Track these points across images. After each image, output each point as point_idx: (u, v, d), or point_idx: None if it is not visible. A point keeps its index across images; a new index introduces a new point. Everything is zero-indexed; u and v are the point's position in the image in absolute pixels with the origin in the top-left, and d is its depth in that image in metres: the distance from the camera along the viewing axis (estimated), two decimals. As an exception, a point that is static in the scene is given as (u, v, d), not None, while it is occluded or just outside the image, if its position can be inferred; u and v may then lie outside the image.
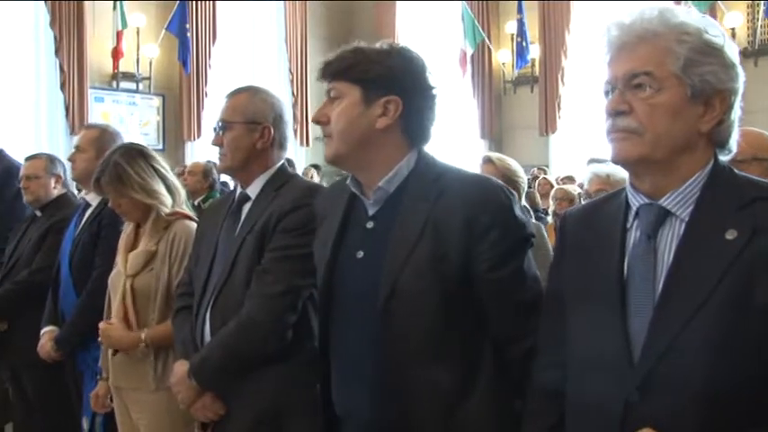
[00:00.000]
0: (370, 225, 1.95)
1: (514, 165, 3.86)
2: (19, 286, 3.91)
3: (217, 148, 2.52)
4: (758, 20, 10.72)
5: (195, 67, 13.08)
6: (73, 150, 3.66)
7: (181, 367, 2.44)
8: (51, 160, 4.18)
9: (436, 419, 1.83)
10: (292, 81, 14.36)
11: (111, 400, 3.13)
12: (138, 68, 12.79)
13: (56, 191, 4.12)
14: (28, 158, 4.27)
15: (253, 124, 2.48)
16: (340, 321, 1.98)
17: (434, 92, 1.97)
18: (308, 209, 2.29)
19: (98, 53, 12.46)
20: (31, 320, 3.82)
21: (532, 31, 12.81)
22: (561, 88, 12.63)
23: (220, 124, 2.50)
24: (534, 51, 12.92)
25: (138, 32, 12.64)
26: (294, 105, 14.25)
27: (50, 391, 3.86)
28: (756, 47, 10.62)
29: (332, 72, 1.93)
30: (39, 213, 4.13)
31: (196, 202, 5.89)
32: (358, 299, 1.91)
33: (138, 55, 12.75)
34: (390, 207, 1.92)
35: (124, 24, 12.24)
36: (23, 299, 3.91)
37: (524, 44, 12.70)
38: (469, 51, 13.02)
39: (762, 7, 10.52)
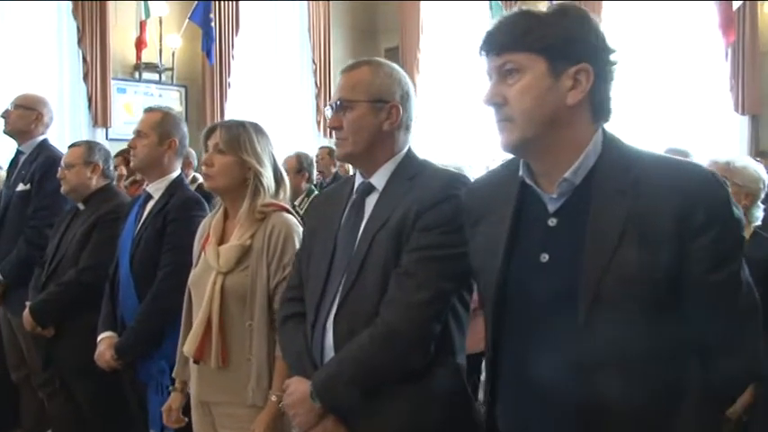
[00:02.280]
0: (552, 223, 1.61)
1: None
2: (65, 288, 3.54)
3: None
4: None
5: (218, 57, 12.69)
6: (132, 136, 3.24)
7: (300, 385, 2.07)
8: (90, 148, 3.81)
9: None
10: (315, 72, 13.96)
11: (184, 414, 2.77)
12: (161, 59, 12.38)
13: (93, 181, 3.73)
14: (70, 146, 3.88)
15: (378, 103, 2.10)
16: (519, 335, 1.64)
17: (617, 56, 1.63)
18: (453, 202, 1.98)
19: (121, 43, 12.08)
20: (80, 325, 3.47)
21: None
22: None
23: (338, 103, 2.12)
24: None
25: (160, 22, 12.22)
26: (317, 96, 13.88)
27: (105, 400, 3.51)
28: None
29: (503, 43, 1.60)
30: (81, 207, 3.73)
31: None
32: (545, 310, 1.58)
33: (160, 45, 12.34)
34: (575, 201, 1.59)
35: (147, 14, 11.87)
36: (71, 301, 3.55)
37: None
38: (498, 40, 12.53)
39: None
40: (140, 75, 12.35)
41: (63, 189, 3.76)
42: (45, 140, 4.29)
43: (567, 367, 1.52)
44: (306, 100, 13.85)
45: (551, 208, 1.60)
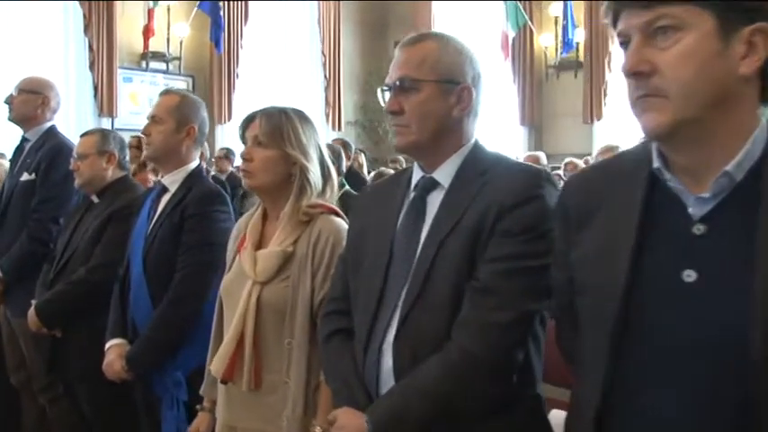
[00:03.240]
0: (699, 230, 1.24)
1: None
2: (75, 287, 3.21)
3: None
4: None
5: (227, 47, 12.40)
6: (147, 122, 2.91)
7: (352, 419, 1.70)
8: (104, 136, 3.46)
9: None
10: (325, 64, 13.67)
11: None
12: (169, 48, 12.05)
13: (109, 172, 3.40)
14: (81, 136, 3.54)
15: (449, 84, 1.76)
16: (649, 372, 1.26)
17: None
18: (538, 203, 1.65)
19: (127, 32, 11.76)
20: (88, 327, 3.15)
21: (578, 13, 12.01)
22: (608, 74, 11.83)
23: (400, 83, 1.77)
24: (579, 35, 12.10)
25: (168, 11, 11.88)
26: (326, 89, 13.58)
27: (112, 408, 3.19)
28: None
29: None
30: (95, 199, 3.40)
31: None
32: (695, 343, 1.21)
33: (168, 34, 12.00)
34: (733, 203, 1.22)
35: (155, 2, 11.52)
36: (80, 301, 3.22)
37: (569, 27, 11.88)
38: (511, 35, 12.24)
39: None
40: (147, 64, 12.05)
41: (77, 182, 3.43)
42: (52, 127, 3.95)
43: (712, 420, 1.18)
44: (315, 92, 13.55)
45: (697, 212, 1.24)
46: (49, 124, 3.93)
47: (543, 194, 1.67)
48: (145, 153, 2.98)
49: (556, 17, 12.35)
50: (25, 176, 3.76)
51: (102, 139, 3.44)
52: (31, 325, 3.27)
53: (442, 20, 13.64)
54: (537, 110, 13.08)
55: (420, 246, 1.74)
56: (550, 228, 1.59)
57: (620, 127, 11.64)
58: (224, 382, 2.21)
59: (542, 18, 12.80)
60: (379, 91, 1.86)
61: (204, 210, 2.74)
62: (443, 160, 1.80)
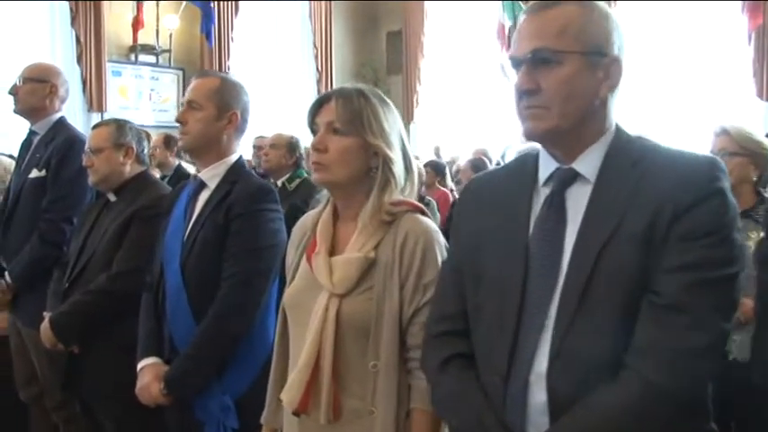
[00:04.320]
0: None
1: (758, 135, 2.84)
2: (95, 297, 2.85)
3: None
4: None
5: (217, 40, 11.92)
6: (181, 108, 2.55)
7: None
8: (119, 127, 3.08)
9: None
10: (317, 56, 13.23)
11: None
12: (159, 41, 11.58)
13: (127, 167, 3.03)
14: (94, 128, 3.16)
15: (595, 56, 1.43)
16: None
17: None
18: (721, 199, 1.35)
19: (115, 24, 11.27)
20: (112, 341, 2.81)
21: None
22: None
23: (535, 56, 1.42)
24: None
25: (157, 2, 11.41)
26: (318, 82, 13.16)
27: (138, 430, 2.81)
28: None
29: None
30: (112, 197, 3.03)
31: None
32: None
33: (157, 26, 11.53)
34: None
35: (143, -6, 11.07)
36: (101, 313, 2.85)
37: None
38: (507, 24, 11.87)
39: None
40: (136, 57, 11.58)
41: (91, 179, 3.05)
42: (62, 118, 3.55)
43: None
44: (307, 85, 13.14)
45: None
46: (58, 115, 3.55)
47: (723, 188, 1.34)
48: (180, 143, 2.59)
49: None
50: (34, 173, 3.37)
51: (117, 131, 3.06)
52: (45, 340, 2.89)
53: (434, 12, 13.29)
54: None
55: (568, 254, 1.40)
56: (736, 228, 1.30)
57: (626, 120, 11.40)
58: (297, 414, 1.85)
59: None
60: (501, 65, 1.51)
61: (253, 208, 2.39)
62: (583, 149, 1.47)
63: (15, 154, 3.93)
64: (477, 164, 6.93)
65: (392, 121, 1.91)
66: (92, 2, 10.83)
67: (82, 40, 10.87)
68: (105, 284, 2.81)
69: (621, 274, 1.34)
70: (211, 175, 2.51)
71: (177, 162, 5.76)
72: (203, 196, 2.51)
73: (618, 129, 1.50)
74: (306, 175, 4.75)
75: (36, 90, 3.47)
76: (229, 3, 12.11)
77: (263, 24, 12.74)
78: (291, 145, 4.80)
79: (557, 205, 1.46)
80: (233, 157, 2.55)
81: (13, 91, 3.50)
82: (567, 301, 1.37)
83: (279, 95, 12.43)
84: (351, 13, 13.77)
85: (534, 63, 1.43)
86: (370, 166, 1.87)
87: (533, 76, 1.43)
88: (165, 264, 2.49)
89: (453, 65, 12.88)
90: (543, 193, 1.50)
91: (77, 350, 2.87)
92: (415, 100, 13.50)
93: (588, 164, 1.46)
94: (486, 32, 12.11)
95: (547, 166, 1.51)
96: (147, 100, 11.59)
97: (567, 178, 1.47)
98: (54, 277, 3.09)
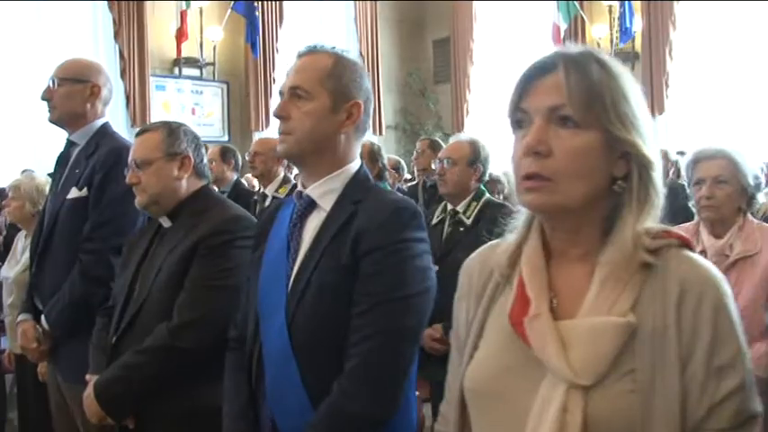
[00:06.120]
0: None
1: None
2: (151, 357, 2.15)
3: None
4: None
5: (262, 51, 11.35)
6: (282, 98, 1.81)
7: None
8: (171, 131, 2.38)
9: None
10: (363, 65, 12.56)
11: None
12: (202, 53, 11.01)
13: (183, 183, 2.34)
14: (138, 134, 2.45)
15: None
16: None
17: None
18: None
19: (158, 37, 10.76)
20: (175, 405, 2.13)
21: (635, 1, 10.88)
22: (669, 64, 10.71)
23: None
24: (637, 24, 10.97)
25: (201, 13, 10.85)
26: (366, 91, 12.50)
27: None
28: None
29: None
30: (167, 223, 2.34)
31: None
32: None
33: (201, 38, 10.97)
34: None
35: (187, 4, 10.50)
36: (163, 378, 2.14)
37: (627, 16, 10.74)
38: (563, 26, 11.11)
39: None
40: (180, 70, 11.04)
41: (138, 201, 2.32)
42: (105, 125, 2.81)
43: None
44: (355, 95, 12.49)
45: None
46: (101, 122, 2.85)
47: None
48: (280, 147, 1.83)
49: (610, 6, 11.21)
50: (74, 193, 2.65)
51: (169, 137, 2.35)
52: (91, 415, 2.19)
53: (484, 15, 12.58)
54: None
55: None
56: None
57: (685, 121, 10.60)
58: None
59: (592, 8, 11.67)
60: None
61: (393, 238, 1.65)
62: None
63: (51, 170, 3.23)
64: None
65: (642, 103, 1.17)
66: (135, 12, 10.34)
67: (125, 54, 10.42)
68: (166, 339, 2.10)
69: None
70: (324, 191, 1.75)
71: (235, 177, 5.04)
72: (314, 221, 1.75)
73: None
74: (387, 186, 4.03)
75: (74, 92, 2.77)
76: (274, 12, 11.56)
77: (307, 33, 12.14)
78: (372, 153, 4.11)
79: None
80: (353, 166, 1.80)
81: (47, 95, 2.80)
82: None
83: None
84: (396, 22, 13.16)
85: None
86: (615, 176, 1.14)
87: None
88: (263, 318, 1.74)
89: (505, 71, 12.13)
90: None
91: (132, 425, 2.17)
92: (465, 109, 12.80)
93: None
94: (539, 35, 11.38)
95: None
96: (189, 114, 11.03)
97: None
98: (97, 326, 2.40)
